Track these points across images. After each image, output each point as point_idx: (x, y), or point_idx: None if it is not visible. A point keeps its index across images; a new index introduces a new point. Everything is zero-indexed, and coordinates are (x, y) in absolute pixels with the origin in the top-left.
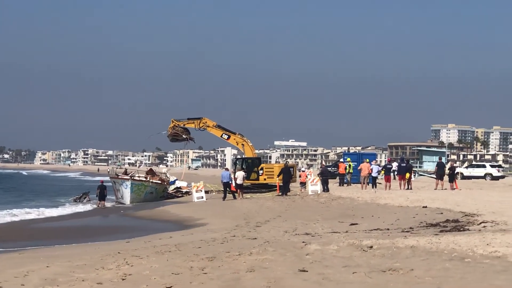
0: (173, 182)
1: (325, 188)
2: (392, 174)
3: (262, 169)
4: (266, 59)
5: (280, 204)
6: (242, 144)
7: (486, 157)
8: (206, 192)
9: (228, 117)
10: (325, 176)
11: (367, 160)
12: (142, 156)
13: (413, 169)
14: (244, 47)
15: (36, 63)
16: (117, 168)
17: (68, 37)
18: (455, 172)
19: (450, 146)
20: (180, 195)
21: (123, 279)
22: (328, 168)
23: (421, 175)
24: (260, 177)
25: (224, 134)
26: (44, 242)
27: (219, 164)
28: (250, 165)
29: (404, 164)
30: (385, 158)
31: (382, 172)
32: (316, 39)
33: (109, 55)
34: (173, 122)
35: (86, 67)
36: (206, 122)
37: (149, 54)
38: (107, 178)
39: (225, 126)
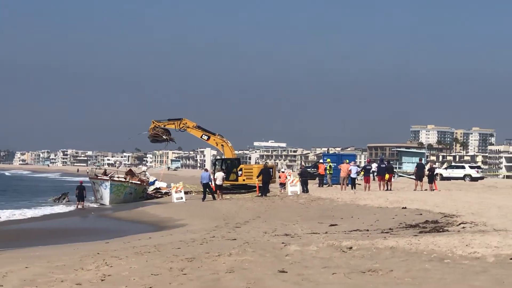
0: (153, 183)
1: (305, 189)
2: (371, 175)
3: (241, 170)
4: (247, 60)
5: (259, 205)
6: (222, 145)
7: (465, 158)
8: (186, 193)
9: (208, 117)
10: (305, 177)
11: (347, 161)
12: (122, 157)
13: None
14: (225, 48)
15: (15, 62)
16: (96, 168)
17: (51, 35)
18: (435, 173)
19: (430, 147)
20: (159, 195)
21: (102, 280)
22: (308, 169)
23: (401, 176)
24: (239, 178)
25: (204, 135)
26: (23, 242)
27: (198, 164)
28: (230, 166)
29: (384, 165)
30: (365, 159)
31: (362, 173)
32: (297, 40)
33: (91, 54)
34: (153, 123)
35: (66, 66)
36: (186, 123)
37: (132, 54)
38: (87, 179)
39: (205, 127)
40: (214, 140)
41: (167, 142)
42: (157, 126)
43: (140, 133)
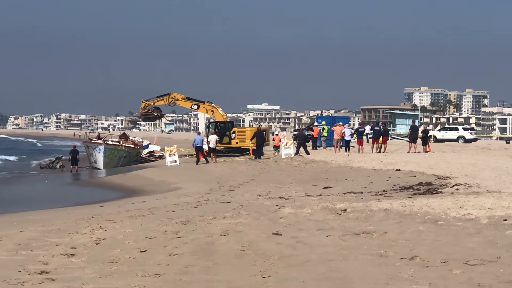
0: (146, 146)
1: (304, 152)
2: (365, 137)
3: (234, 132)
4: (241, 22)
5: (253, 168)
6: (212, 111)
7: (459, 120)
8: (179, 156)
9: (202, 80)
10: (301, 140)
11: (340, 123)
12: (115, 121)
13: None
14: (216, 12)
15: (5, 24)
16: (90, 132)
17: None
18: (428, 135)
19: (423, 109)
20: (153, 159)
21: (97, 244)
22: (304, 132)
23: (394, 138)
24: (232, 141)
25: (193, 105)
26: (16, 207)
27: (192, 128)
28: (223, 129)
29: (378, 128)
30: (358, 121)
31: (355, 135)
32: (290, 4)
33: (83, 18)
34: (143, 102)
35: (58, 30)
36: (174, 96)
37: (125, 17)
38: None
39: (198, 91)
40: (204, 107)
41: (159, 119)
42: (147, 105)
43: (132, 113)
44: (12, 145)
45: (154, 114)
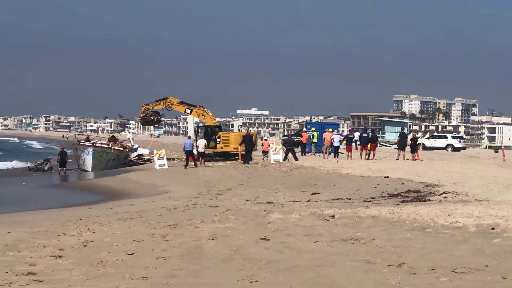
0: (135, 149)
1: (293, 157)
2: (354, 144)
3: (219, 137)
4: (231, 28)
5: (242, 173)
6: (203, 115)
7: (448, 128)
8: (168, 159)
9: (192, 84)
10: (290, 145)
11: (330, 130)
12: (104, 123)
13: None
14: (209, 15)
15: None
16: (78, 134)
17: None
18: (417, 142)
19: (412, 116)
20: (142, 162)
21: (84, 246)
22: (293, 138)
23: (383, 145)
24: (217, 145)
25: (187, 109)
26: (4, 208)
27: (181, 131)
28: (210, 133)
29: (366, 135)
30: (348, 128)
31: (344, 142)
32: (280, 10)
33: (73, 18)
34: (143, 106)
35: (48, 30)
36: (170, 100)
37: (115, 18)
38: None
39: (189, 95)
40: (196, 112)
41: (158, 123)
42: (146, 109)
43: (122, 116)
44: (15, 147)
45: (151, 118)
